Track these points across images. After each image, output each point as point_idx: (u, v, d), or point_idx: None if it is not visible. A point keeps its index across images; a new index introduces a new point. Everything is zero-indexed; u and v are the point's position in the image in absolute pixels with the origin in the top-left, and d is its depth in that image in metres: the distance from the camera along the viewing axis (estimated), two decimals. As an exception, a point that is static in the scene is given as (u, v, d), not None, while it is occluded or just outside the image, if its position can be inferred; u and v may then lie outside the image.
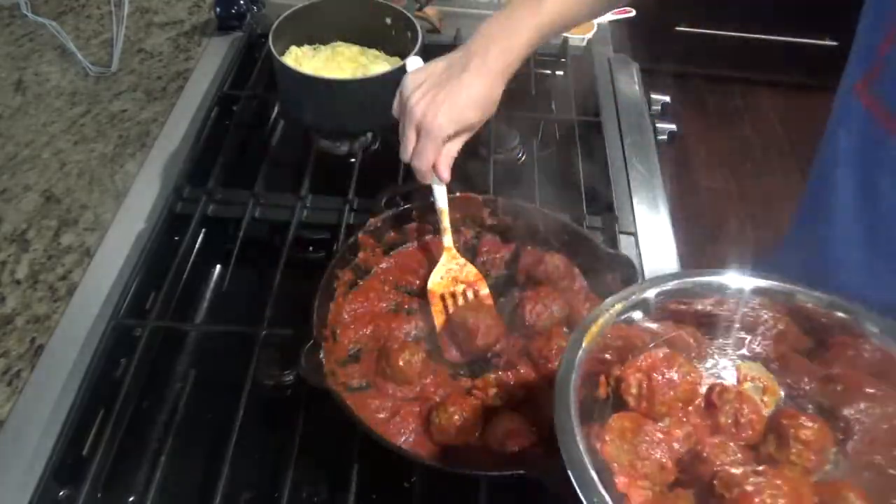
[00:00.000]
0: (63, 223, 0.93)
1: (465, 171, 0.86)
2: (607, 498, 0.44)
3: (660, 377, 0.55)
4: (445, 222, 0.82)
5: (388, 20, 1.04)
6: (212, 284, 0.91)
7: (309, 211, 0.94)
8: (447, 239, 0.82)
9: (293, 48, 1.04)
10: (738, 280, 0.59)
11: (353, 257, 0.81)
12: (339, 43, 1.07)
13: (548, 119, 1.15)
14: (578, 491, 0.45)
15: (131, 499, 0.70)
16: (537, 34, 0.75)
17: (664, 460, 0.52)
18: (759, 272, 0.60)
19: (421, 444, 0.70)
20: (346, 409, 0.66)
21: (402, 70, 0.97)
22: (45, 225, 0.92)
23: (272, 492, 0.69)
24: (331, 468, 0.72)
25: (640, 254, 0.93)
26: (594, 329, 0.55)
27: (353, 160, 1.01)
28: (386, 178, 0.95)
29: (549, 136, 1.14)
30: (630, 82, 1.21)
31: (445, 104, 0.72)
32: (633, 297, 0.58)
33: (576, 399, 0.50)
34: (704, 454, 0.52)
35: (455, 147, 0.77)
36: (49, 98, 1.11)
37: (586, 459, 0.46)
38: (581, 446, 0.47)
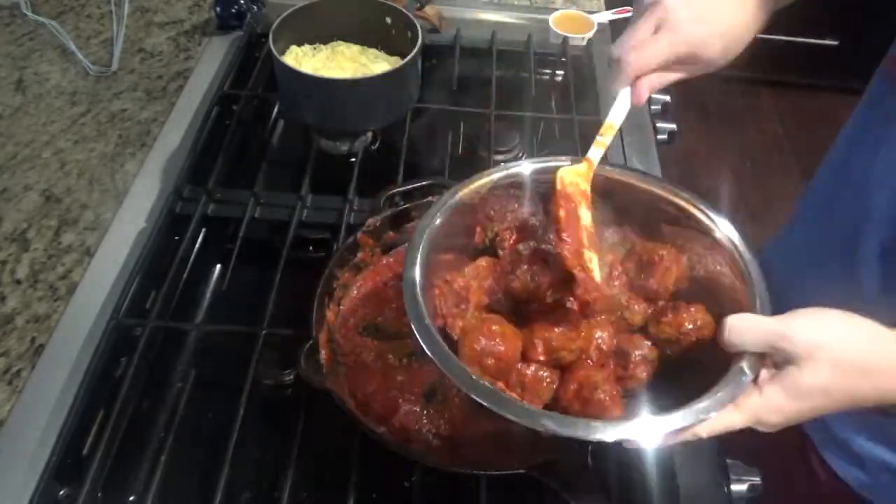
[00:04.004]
0: (63, 223, 0.93)
1: (465, 172, 0.86)
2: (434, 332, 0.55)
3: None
4: (607, 139, 0.73)
5: (388, 20, 1.04)
6: (212, 284, 0.91)
7: (309, 211, 0.94)
8: (596, 153, 0.73)
9: (293, 48, 1.04)
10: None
11: (352, 257, 0.81)
12: (339, 43, 1.07)
13: (548, 119, 1.15)
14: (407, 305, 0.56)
15: (131, 499, 0.70)
16: None
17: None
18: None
19: (420, 444, 0.70)
20: (347, 409, 0.66)
21: (401, 70, 0.97)
22: (46, 224, 0.92)
23: (272, 492, 0.69)
24: (331, 468, 0.72)
25: (640, 254, 0.92)
26: (472, 185, 0.66)
27: (353, 160, 1.01)
28: (386, 178, 0.94)
29: (549, 136, 1.14)
30: (630, 82, 1.21)
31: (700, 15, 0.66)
32: (514, 169, 0.69)
33: (429, 245, 0.60)
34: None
35: (671, 78, 0.72)
36: (49, 98, 1.11)
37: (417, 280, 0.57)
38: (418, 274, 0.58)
